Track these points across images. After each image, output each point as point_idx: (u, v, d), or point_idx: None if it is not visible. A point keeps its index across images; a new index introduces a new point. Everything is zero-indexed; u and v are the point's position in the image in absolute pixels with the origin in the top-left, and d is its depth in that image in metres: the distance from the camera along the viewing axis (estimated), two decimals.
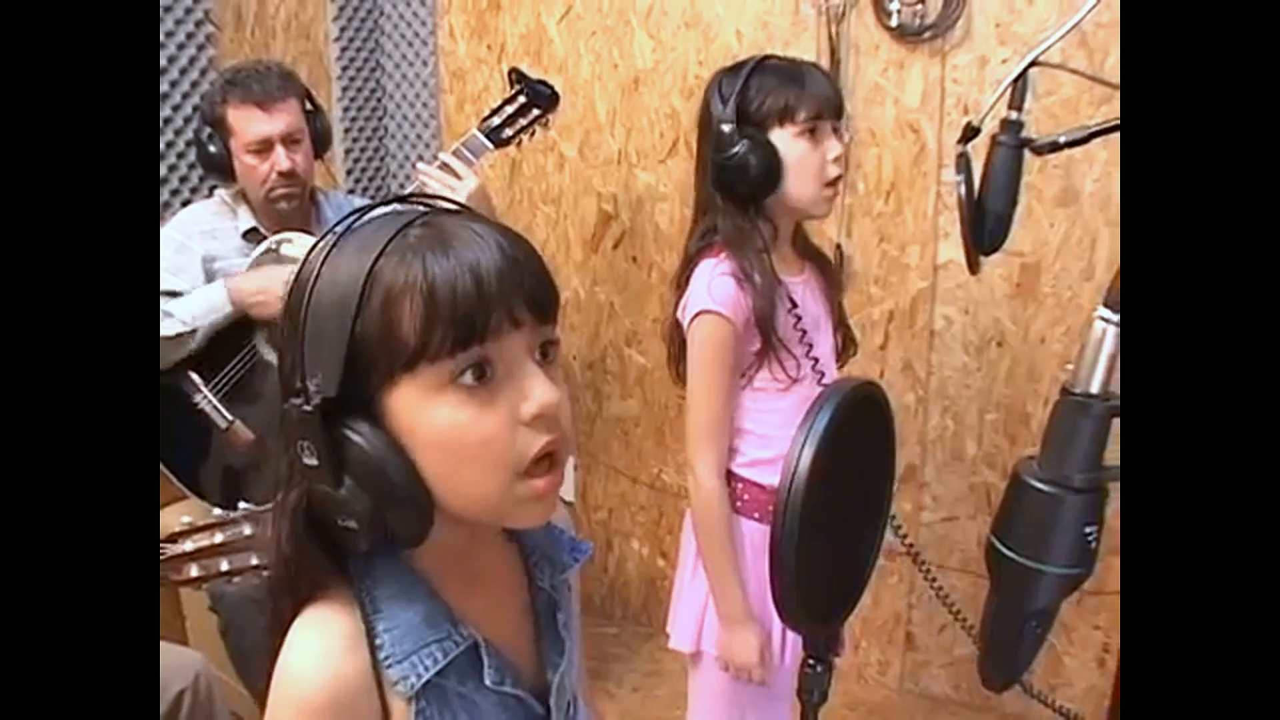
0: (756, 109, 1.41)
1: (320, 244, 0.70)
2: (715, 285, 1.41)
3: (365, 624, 0.70)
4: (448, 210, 0.74)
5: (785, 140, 1.41)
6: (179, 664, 1.60)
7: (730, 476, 1.48)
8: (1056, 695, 2.23)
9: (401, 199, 0.75)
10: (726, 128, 1.39)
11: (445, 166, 1.98)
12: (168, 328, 1.81)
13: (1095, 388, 0.82)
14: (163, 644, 1.65)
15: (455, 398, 0.67)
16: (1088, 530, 0.83)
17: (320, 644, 0.71)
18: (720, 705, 1.56)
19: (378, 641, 0.70)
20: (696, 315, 1.43)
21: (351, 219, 0.71)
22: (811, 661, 0.93)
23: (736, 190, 1.42)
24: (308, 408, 0.66)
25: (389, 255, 0.66)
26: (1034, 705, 1.79)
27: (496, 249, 0.68)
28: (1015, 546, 0.84)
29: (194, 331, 1.83)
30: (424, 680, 0.70)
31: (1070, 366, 0.85)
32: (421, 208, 0.72)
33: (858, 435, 0.91)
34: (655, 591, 2.73)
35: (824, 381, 1.48)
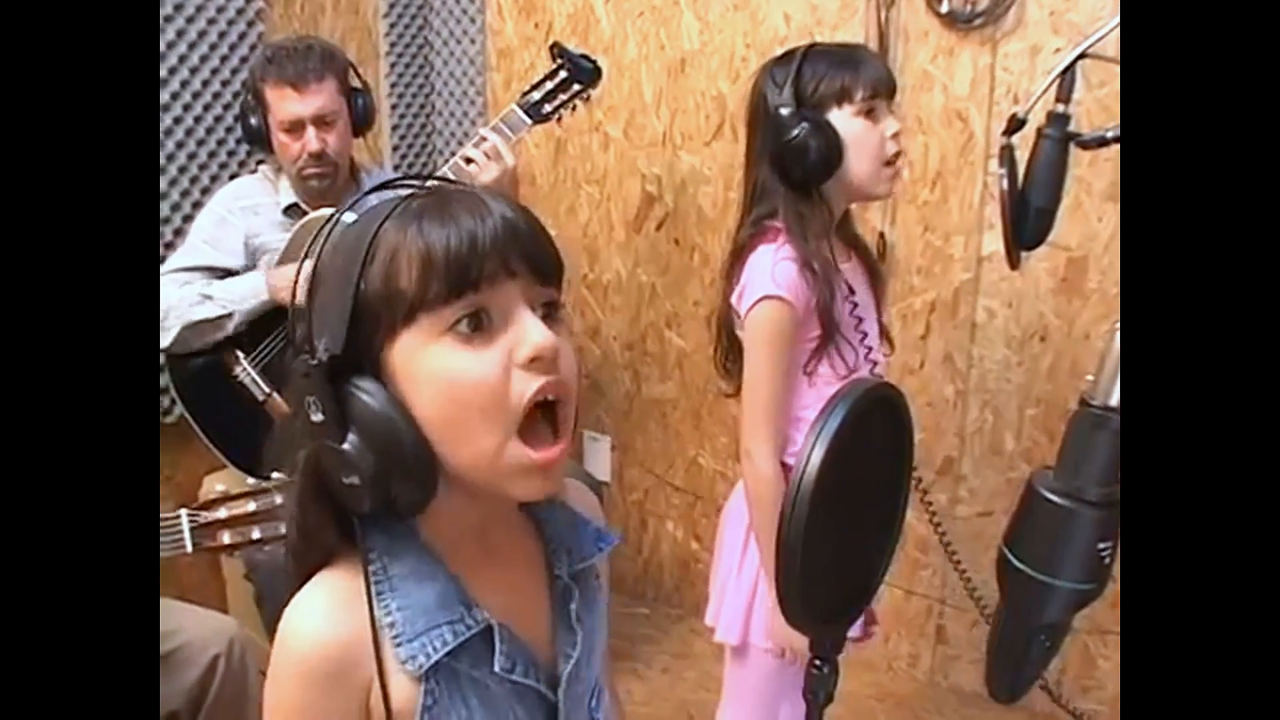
0: (813, 92, 1.40)
1: (328, 222, 0.74)
2: (779, 270, 1.39)
3: (369, 596, 0.71)
4: (454, 186, 0.76)
5: (844, 120, 1.40)
6: (214, 629, 1.64)
7: (782, 467, 1.44)
8: (1088, 697, 2.20)
9: (411, 177, 0.78)
10: (785, 111, 1.38)
11: (484, 141, 1.97)
12: (207, 310, 1.88)
13: (1114, 401, 0.81)
14: (198, 609, 1.70)
15: (451, 344, 0.68)
16: (1102, 546, 0.81)
17: (323, 607, 0.72)
18: (759, 698, 1.54)
19: (390, 619, 0.71)
20: (759, 300, 1.40)
21: (360, 197, 0.75)
22: (818, 663, 0.92)
23: (798, 174, 1.40)
24: (313, 362, 0.68)
25: (392, 220, 0.69)
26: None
27: (496, 214, 0.70)
28: (1026, 558, 0.83)
29: (230, 315, 1.89)
30: (433, 661, 0.71)
31: (1091, 377, 0.83)
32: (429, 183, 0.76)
33: (873, 438, 0.90)
34: (688, 574, 2.73)
35: (876, 371, 1.46)
